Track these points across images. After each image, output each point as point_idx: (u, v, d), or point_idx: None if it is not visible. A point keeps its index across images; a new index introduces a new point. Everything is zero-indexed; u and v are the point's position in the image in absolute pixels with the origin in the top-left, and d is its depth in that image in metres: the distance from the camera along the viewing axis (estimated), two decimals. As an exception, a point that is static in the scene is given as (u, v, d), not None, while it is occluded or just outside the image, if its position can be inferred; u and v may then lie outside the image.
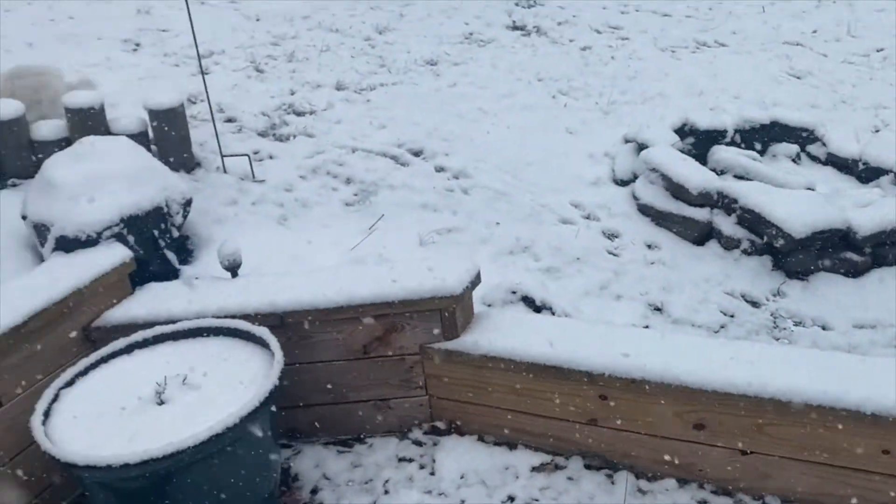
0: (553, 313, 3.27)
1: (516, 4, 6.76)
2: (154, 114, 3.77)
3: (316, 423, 2.93)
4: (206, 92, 3.90)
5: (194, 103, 4.52)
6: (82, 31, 5.38)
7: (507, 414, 2.79)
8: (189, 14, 3.74)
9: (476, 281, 2.90)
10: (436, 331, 2.82)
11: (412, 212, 3.86)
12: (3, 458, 2.47)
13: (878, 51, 6.22)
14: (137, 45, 5.34)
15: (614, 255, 3.82)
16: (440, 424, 2.94)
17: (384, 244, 3.55)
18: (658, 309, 3.55)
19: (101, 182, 3.06)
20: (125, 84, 4.72)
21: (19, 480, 2.52)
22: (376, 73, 5.24)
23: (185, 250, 3.40)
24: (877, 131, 5.01)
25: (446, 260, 3.09)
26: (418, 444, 2.86)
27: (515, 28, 6.29)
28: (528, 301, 3.29)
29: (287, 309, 2.75)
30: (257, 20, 5.93)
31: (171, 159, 3.76)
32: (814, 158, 4.84)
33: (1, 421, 2.46)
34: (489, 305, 3.23)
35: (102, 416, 2.32)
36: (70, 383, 2.46)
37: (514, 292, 3.30)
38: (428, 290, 2.76)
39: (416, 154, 4.35)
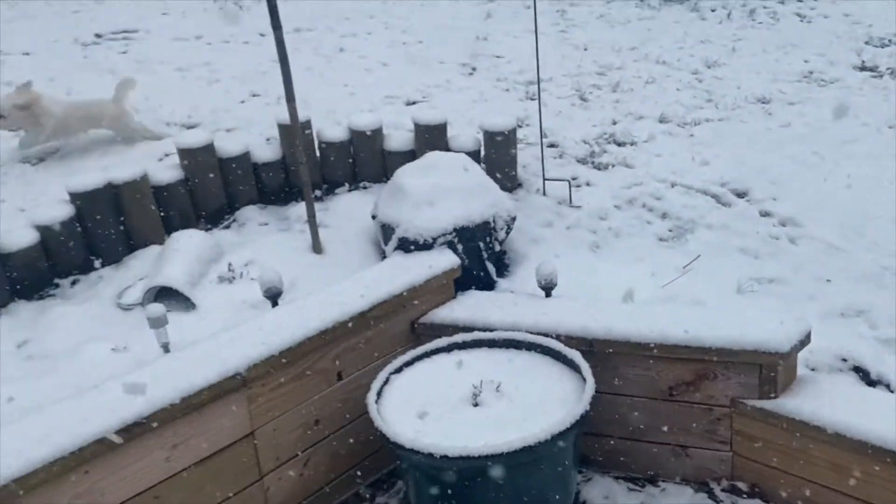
0: (891, 391, 2.88)
1: (867, 43, 6.13)
2: (488, 134, 4.04)
3: (609, 455, 2.91)
4: (540, 119, 4.08)
5: (520, 127, 4.76)
6: (430, 55, 5.96)
7: (826, 492, 2.52)
8: (536, 47, 3.95)
9: (805, 341, 2.68)
10: (751, 386, 2.65)
11: (730, 255, 3.67)
12: (340, 422, 2.81)
13: None
14: (474, 69, 5.78)
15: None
16: (742, 485, 2.75)
17: (698, 285, 3.41)
18: None
19: (442, 193, 3.35)
20: (460, 105, 5.13)
21: (347, 444, 2.85)
22: (702, 107, 5.08)
23: (503, 264, 3.58)
24: None
25: (771, 313, 2.90)
26: (716, 500, 2.70)
27: (864, 69, 5.70)
28: (861, 372, 2.94)
29: (598, 336, 2.77)
30: (585, 49, 6.08)
31: (498, 178, 3.99)
32: None
33: (340, 392, 2.80)
34: (813, 370, 2.95)
35: (423, 406, 2.53)
36: (398, 370, 2.72)
37: (844, 360, 2.97)
38: (750, 341, 2.60)
39: (740, 195, 4.13)
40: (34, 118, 4.32)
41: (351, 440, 2.86)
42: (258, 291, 3.19)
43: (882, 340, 3.15)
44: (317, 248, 3.58)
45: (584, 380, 2.50)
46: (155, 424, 2.28)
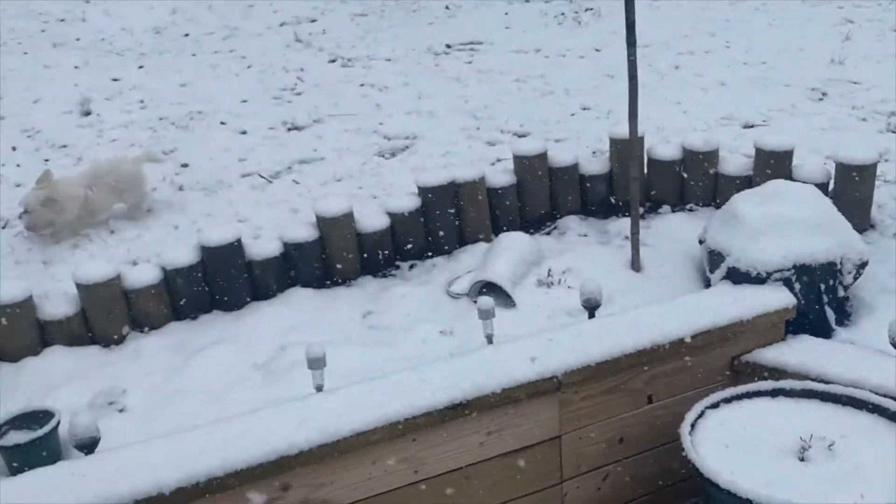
0: None
1: None
2: (841, 167, 3.67)
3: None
4: (907, 153, 3.60)
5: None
6: (773, 77, 5.57)
7: None
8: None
9: None
10: None
11: None
12: (645, 445, 2.76)
13: None
14: (824, 94, 5.28)
15: None
16: None
17: None
18: None
19: (783, 225, 3.11)
20: (806, 132, 4.71)
21: (649, 468, 2.79)
22: None
23: (844, 312, 3.23)
24: None
25: None
26: None
27: None
28: None
29: (967, 414, 2.36)
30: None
31: (848, 216, 3.59)
32: None
33: (648, 415, 2.74)
34: None
35: (741, 449, 2.37)
36: (715, 405, 2.58)
37: None
38: None
39: None
40: (59, 207, 3.98)
41: (653, 465, 2.78)
42: (575, 299, 3.25)
43: None
44: (636, 265, 3.55)
45: (946, 460, 2.15)
46: (473, 413, 2.42)
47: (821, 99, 5.22)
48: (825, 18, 6.47)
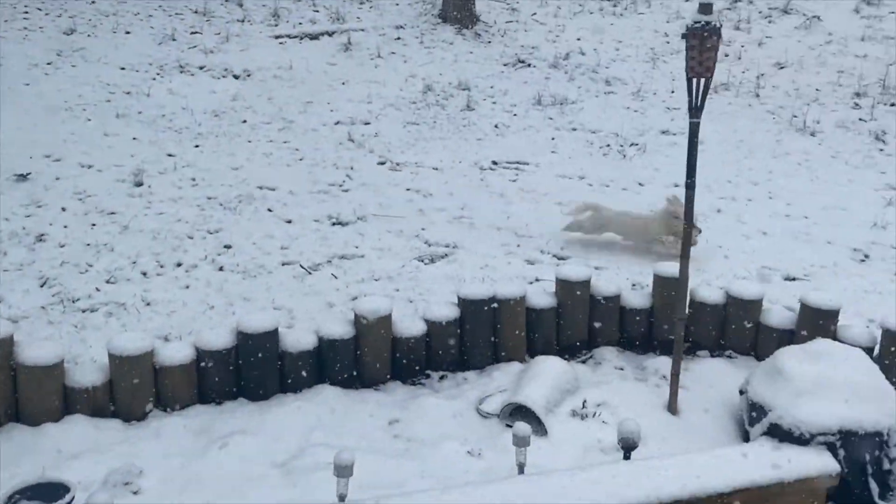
0: None
1: None
2: (888, 333, 3.61)
3: None
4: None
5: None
6: (816, 233, 5.61)
7: None
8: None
9: None
10: None
11: None
12: None
13: None
14: (866, 256, 5.29)
15: None
16: None
17: None
18: None
19: (829, 386, 3.05)
20: (847, 292, 4.69)
21: None
22: None
23: (888, 487, 3.09)
24: None
25: None
26: None
27: None
28: None
29: None
30: None
31: (893, 384, 3.52)
32: None
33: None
34: None
35: None
36: (753, 572, 2.45)
37: None
38: None
39: None
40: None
41: None
42: (610, 434, 3.17)
43: None
44: (672, 407, 3.46)
45: None
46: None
47: (863, 261, 5.23)
48: (868, 182, 6.58)
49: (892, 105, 8.16)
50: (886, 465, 3.03)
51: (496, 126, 7.85)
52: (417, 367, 3.70)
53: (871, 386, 3.09)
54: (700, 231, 4.95)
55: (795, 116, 7.96)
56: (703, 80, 2.98)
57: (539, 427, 3.27)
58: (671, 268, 3.79)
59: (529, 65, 9.48)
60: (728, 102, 8.54)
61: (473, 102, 8.25)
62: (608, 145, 7.40)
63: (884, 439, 2.98)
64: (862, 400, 3.03)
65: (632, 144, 7.39)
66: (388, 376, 3.66)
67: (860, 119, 7.86)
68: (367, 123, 7.63)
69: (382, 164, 6.75)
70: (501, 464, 2.95)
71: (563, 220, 5.41)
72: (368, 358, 3.57)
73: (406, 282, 4.68)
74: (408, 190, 6.19)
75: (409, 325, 3.70)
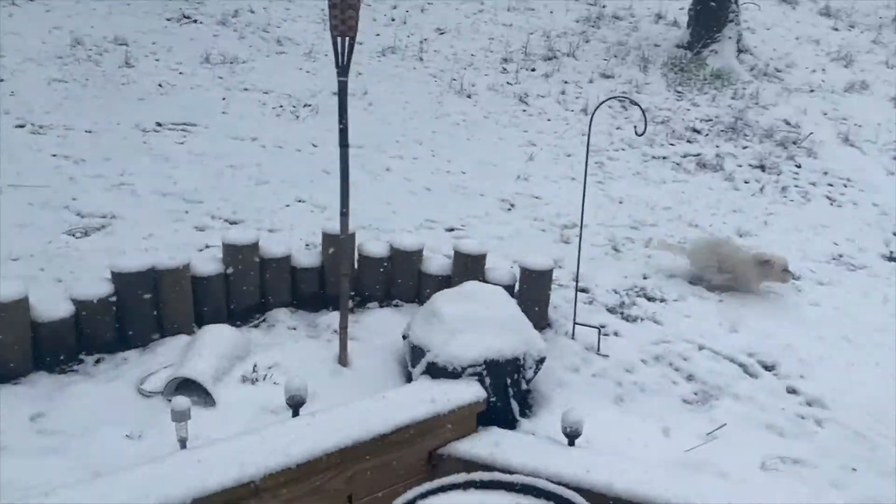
0: None
1: (894, 234, 6.26)
2: (525, 271, 4.10)
3: None
4: (578, 264, 4.16)
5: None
6: (471, 186, 6.15)
7: None
8: (584, 196, 4.08)
9: (835, 533, 2.58)
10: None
11: (755, 429, 3.61)
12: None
13: None
14: (512, 205, 5.94)
15: None
16: None
17: (721, 456, 3.34)
18: None
19: (477, 323, 3.37)
20: (496, 238, 5.24)
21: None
22: (732, 276, 5.15)
23: (527, 404, 3.54)
24: None
25: (797, 497, 2.82)
26: None
27: (892, 259, 5.80)
28: (888, 574, 2.81)
29: (621, 496, 2.70)
30: (620, 203, 6.25)
31: (529, 316, 4.01)
32: None
33: (349, 515, 2.71)
34: (838, 563, 2.83)
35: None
36: (411, 502, 2.64)
37: (870, 557, 2.86)
38: (779, 525, 2.52)
39: (768, 368, 4.11)
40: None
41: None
42: (280, 396, 3.16)
43: (909, 542, 3.04)
44: (343, 360, 3.57)
45: (606, 541, 2.41)
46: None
47: (509, 209, 5.87)
48: (513, 139, 7.37)
49: (533, 70, 9.20)
50: (524, 386, 3.46)
51: (160, 85, 7.29)
52: (65, 354, 3.33)
53: (510, 319, 3.49)
54: (791, 274, 4.98)
55: (454, 79, 8.59)
56: (346, 39, 3.04)
57: (207, 398, 3.16)
58: (335, 224, 3.87)
59: (196, 21, 8.94)
60: (395, 65, 8.93)
61: (133, 59, 7.56)
62: (281, 106, 7.30)
63: (520, 363, 3.39)
64: (504, 332, 3.41)
65: (305, 105, 7.38)
66: (31, 367, 3.24)
67: (507, 83, 8.75)
68: (1, 80, 6.59)
69: (22, 126, 5.90)
70: (165, 442, 2.79)
71: (236, 183, 5.23)
72: (1, 350, 3.12)
73: (53, 259, 4.17)
74: (54, 156, 5.50)
75: (52, 308, 3.31)
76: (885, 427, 3.76)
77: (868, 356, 4.34)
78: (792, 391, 3.95)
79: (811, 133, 7.95)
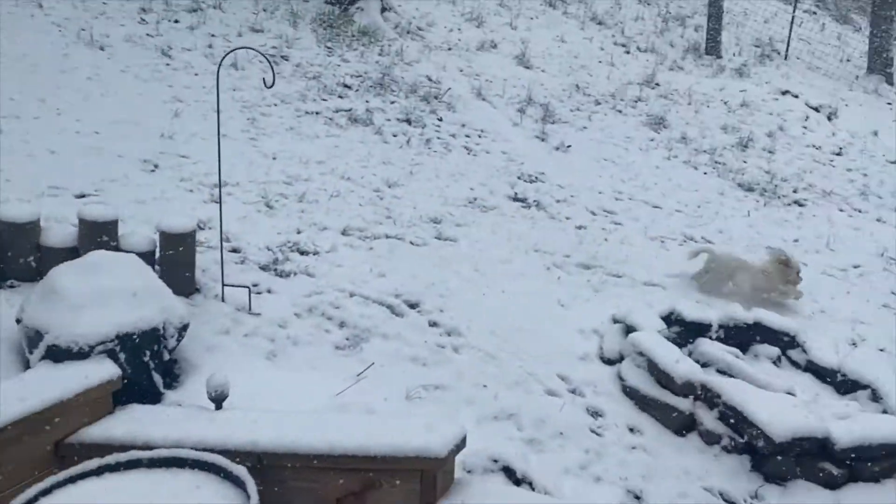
0: (532, 488, 3.21)
1: (519, 178, 7.12)
2: (165, 236, 3.86)
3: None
4: (221, 222, 4.02)
5: (202, 229, 4.63)
6: (106, 147, 5.59)
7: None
8: (219, 149, 3.94)
9: (461, 445, 2.89)
10: (413, 493, 2.77)
11: (402, 364, 3.88)
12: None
13: (854, 266, 6.55)
14: (156, 166, 5.54)
15: (597, 434, 3.81)
16: None
17: (371, 393, 3.54)
18: (637, 497, 3.49)
19: (104, 297, 3.09)
20: (138, 202, 4.85)
21: None
22: (381, 223, 5.42)
23: (172, 374, 3.37)
24: (854, 345, 5.16)
25: (432, 419, 3.09)
26: None
27: (517, 199, 6.59)
28: (509, 472, 3.24)
29: (267, 450, 2.71)
30: (273, 159, 6.19)
31: (174, 282, 3.79)
32: (794, 364, 4.94)
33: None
34: (469, 472, 3.18)
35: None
36: (33, 500, 2.36)
37: (495, 461, 3.26)
38: (413, 448, 2.73)
39: (412, 306, 4.43)
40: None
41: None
42: None
43: (526, 441, 3.53)
44: (-61, 356, 3.03)
45: (249, 497, 2.40)
46: None
47: (153, 171, 5.47)
48: (157, 95, 6.84)
49: (177, 22, 8.60)
50: (168, 357, 3.28)
51: None
52: None
53: (144, 288, 3.26)
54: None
55: (83, 30, 7.69)
56: None
57: None
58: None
59: None
60: (8, 12, 7.70)
61: None
62: None
63: (160, 333, 3.20)
64: (137, 302, 3.17)
65: None
66: None
67: (147, 34, 8.07)
68: None
69: None
70: None
71: None
72: None
73: None
74: None
75: None
76: (511, 345, 4.31)
77: (495, 285, 4.90)
78: (433, 324, 4.32)
79: (449, 88, 8.62)
